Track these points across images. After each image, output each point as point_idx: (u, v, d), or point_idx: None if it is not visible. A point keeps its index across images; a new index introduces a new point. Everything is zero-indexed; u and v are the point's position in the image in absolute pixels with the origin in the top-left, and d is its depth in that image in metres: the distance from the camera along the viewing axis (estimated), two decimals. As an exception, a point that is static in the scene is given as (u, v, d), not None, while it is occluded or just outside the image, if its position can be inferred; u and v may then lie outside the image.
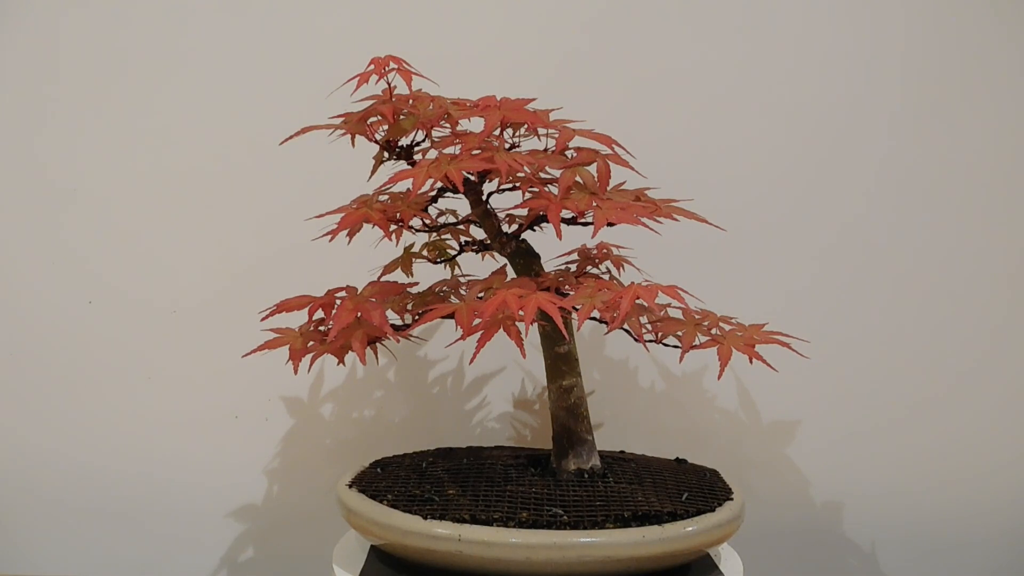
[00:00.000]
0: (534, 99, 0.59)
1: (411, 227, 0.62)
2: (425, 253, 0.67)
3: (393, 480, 0.62)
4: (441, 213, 0.66)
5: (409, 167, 0.59)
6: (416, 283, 0.64)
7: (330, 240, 0.58)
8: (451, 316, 0.56)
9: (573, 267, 0.66)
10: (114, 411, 0.82)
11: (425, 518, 0.54)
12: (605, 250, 0.66)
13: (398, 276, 0.65)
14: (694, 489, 0.60)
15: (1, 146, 0.81)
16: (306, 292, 0.61)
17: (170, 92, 0.81)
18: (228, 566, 0.83)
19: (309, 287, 0.61)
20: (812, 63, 0.81)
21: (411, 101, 0.58)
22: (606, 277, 0.65)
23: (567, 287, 0.59)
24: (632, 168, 0.58)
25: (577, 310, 0.53)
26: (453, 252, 0.66)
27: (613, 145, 0.58)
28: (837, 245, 0.81)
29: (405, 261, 0.66)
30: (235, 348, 0.82)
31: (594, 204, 0.55)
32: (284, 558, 0.83)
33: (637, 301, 0.54)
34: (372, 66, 0.58)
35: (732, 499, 0.60)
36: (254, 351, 0.60)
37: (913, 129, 0.81)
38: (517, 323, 0.53)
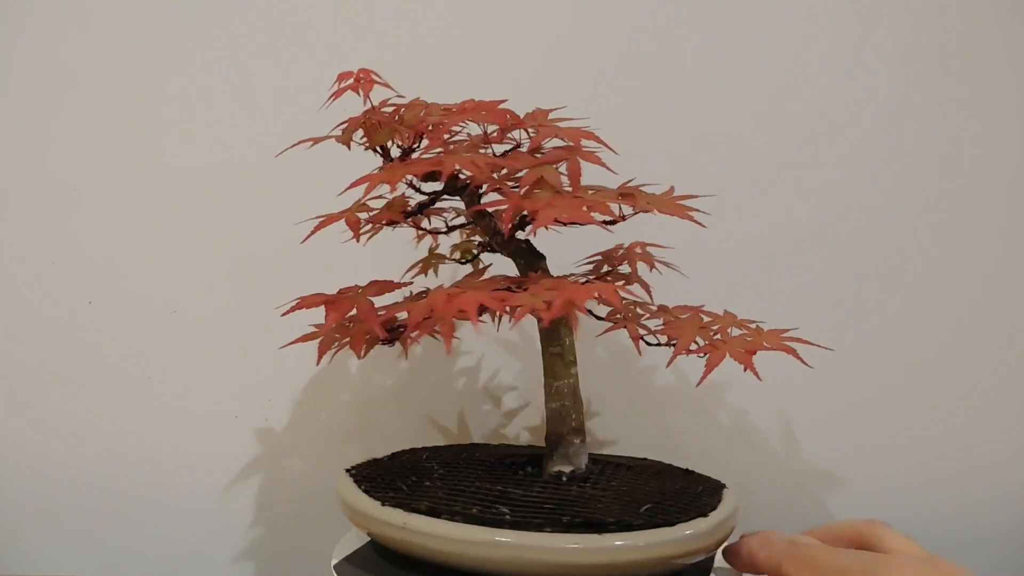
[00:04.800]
0: (505, 100, 0.58)
1: (422, 229, 0.64)
2: (449, 255, 0.69)
3: (387, 469, 0.63)
4: (459, 214, 0.66)
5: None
6: (411, 283, 0.64)
7: (301, 243, 0.59)
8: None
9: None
10: (114, 411, 0.82)
11: (383, 504, 0.55)
12: (638, 249, 0.65)
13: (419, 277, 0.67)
14: (667, 503, 0.56)
15: (6, 145, 0.81)
16: (307, 291, 0.61)
17: (174, 92, 0.81)
18: (228, 566, 0.83)
19: (310, 287, 0.61)
20: (802, 60, 0.81)
21: (402, 110, 0.59)
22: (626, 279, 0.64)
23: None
24: (603, 164, 0.56)
25: (515, 309, 0.51)
26: (476, 252, 0.67)
27: (581, 140, 0.56)
28: (838, 242, 0.82)
29: (427, 262, 0.68)
30: (235, 348, 0.82)
31: (544, 202, 0.53)
32: (284, 558, 0.83)
33: (589, 301, 0.52)
34: (350, 80, 0.59)
35: (704, 517, 0.54)
36: (293, 343, 0.60)
37: (895, 127, 0.81)
38: (468, 319, 0.52)
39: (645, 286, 0.64)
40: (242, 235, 0.82)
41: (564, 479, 0.59)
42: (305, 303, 0.60)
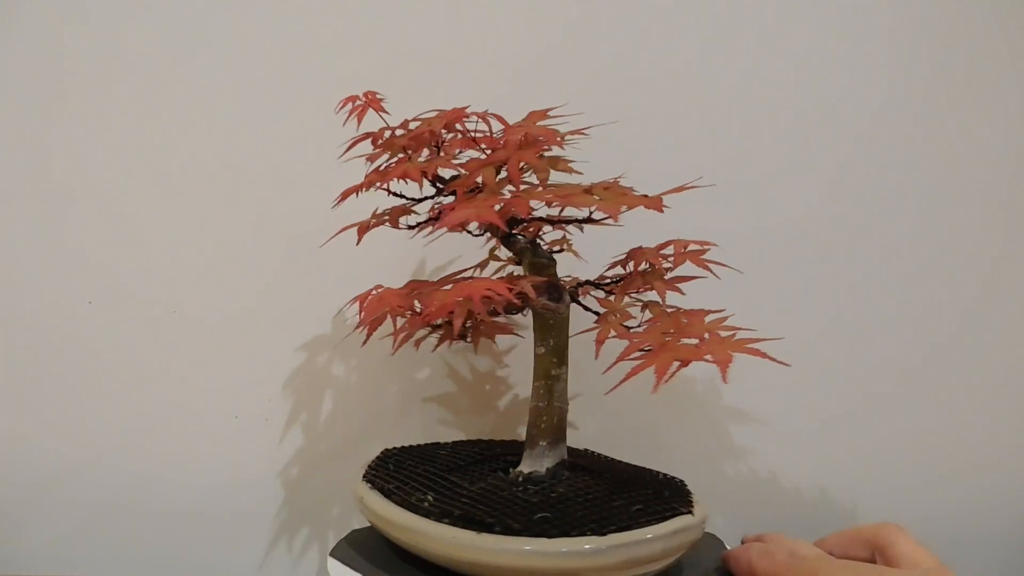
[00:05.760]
0: (467, 106, 0.59)
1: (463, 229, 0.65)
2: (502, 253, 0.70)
3: (401, 454, 0.68)
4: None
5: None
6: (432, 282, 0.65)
7: (320, 246, 0.63)
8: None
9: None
10: (114, 411, 0.82)
11: (362, 479, 0.63)
12: (670, 249, 0.63)
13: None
14: (586, 515, 0.54)
15: (5, 146, 0.81)
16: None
17: (174, 92, 0.81)
18: (228, 566, 0.83)
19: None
20: (796, 62, 0.81)
21: (412, 124, 0.61)
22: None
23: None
24: (539, 164, 0.56)
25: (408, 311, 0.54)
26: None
27: (525, 135, 0.57)
28: (836, 242, 0.82)
29: (484, 262, 0.70)
30: (235, 348, 0.82)
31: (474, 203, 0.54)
32: (284, 558, 0.83)
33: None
34: (358, 101, 0.62)
35: (599, 536, 0.51)
36: (391, 334, 0.62)
37: (894, 128, 0.82)
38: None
39: (662, 288, 0.61)
40: (242, 235, 0.82)
41: (520, 479, 0.60)
42: (360, 298, 0.62)
